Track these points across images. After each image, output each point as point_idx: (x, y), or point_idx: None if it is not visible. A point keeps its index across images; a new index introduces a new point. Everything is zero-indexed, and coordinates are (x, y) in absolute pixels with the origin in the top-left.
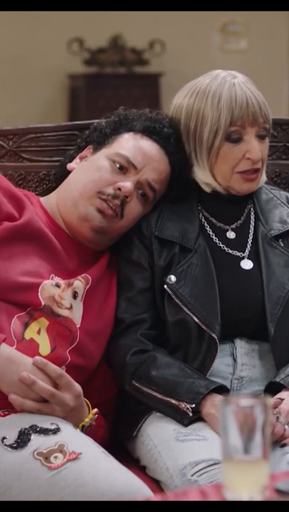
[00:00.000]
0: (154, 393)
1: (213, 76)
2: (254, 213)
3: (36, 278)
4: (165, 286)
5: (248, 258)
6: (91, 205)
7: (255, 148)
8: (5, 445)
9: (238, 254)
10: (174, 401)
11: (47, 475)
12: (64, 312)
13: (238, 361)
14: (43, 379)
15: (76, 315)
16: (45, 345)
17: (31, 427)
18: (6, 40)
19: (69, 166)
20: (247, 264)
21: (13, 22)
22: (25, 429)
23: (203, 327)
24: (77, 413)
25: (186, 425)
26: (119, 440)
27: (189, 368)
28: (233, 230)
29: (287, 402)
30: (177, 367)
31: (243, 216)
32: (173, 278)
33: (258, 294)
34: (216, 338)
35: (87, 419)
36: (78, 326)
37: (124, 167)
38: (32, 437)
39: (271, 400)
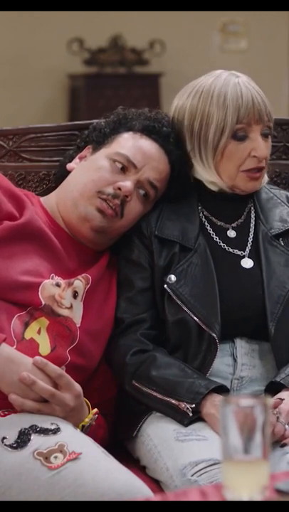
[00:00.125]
0: (154, 393)
1: (215, 76)
2: (254, 212)
3: (36, 277)
4: (165, 285)
5: (248, 257)
6: (91, 205)
7: (260, 145)
8: (5, 445)
9: (239, 252)
10: (174, 401)
11: (47, 475)
12: (64, 312)
13: (238, 361)
14: (43, 379)
15: (76, 315)
16: (45, 345)
17: (31, 427)
18: (6, 40)
19: (68, 166)
20: (247, 263)
21: (13, 22)
22: (25, 429)
23: (203, 327)
24: (77, 413)
25: (186, 425)
26: (119, 440)
27: (189, 368)
28: (233, 228)
29: (287, 402)
30: (177, 367)
31: (243, 215)
32: (173, 277)
33: (259, 293)
34: (215, 337)
35: (87, 419)
36: (78, 325)
37: (124, 166)
38: (32, 437)
39: (271, 400)
